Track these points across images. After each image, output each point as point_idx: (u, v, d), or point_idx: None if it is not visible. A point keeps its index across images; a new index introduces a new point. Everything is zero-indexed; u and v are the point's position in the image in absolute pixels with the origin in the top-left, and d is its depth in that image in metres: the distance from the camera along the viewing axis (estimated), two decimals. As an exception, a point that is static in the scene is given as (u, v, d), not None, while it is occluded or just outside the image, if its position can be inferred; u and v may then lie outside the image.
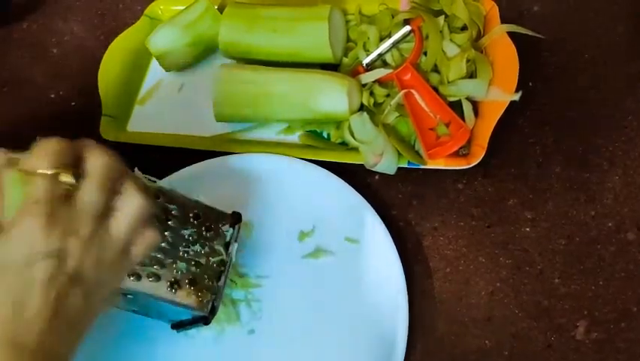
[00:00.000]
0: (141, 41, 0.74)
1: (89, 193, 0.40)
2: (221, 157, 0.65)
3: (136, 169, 0.50)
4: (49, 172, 0.39)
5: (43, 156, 0.40)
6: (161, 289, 0.50)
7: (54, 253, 0.38)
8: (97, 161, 0.41)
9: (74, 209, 0.40)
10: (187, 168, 0.64)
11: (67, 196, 0.40)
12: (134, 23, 0.78)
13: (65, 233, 0.39)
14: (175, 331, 0.55)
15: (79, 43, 0.84)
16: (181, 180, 0.62)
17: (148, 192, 0.43)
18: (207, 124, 0.69)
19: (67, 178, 0.40)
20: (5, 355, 0.37)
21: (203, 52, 0.75)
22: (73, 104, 0.78)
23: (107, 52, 0.75)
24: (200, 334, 0.57)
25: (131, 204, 0.41)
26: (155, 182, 0.52)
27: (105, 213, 0.41)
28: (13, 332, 0.38)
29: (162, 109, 0.74)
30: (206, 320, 0.52)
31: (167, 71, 0.75)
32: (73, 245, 0.39)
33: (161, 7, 0.80)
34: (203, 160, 0.65)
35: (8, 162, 0.41)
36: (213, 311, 0.52)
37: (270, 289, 0.59)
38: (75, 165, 0.41)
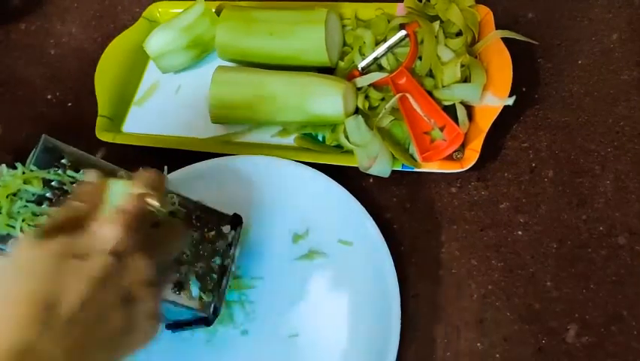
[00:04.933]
0: (138, 43, 0.74)
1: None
2: (216, 159, 0.65)
3: (141, 169, 0.50)
4: (140, 191, 0.42)
5: (139, 180, 0.42)
6: (166, 290, 0.50)
7: (116, 254, 0.39)
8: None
9: (152, 237, 0.42)
10: (182, 170, 0.64)
11: (149, 221, 0.42)
12: (131, 25, 0.79)
13: (135, 248, 0.40)
14: (170, 331, 0.56)
15: (76, 45, 0.84)
16: (176, 182, 0.62)
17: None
18: (203, 126, 0.69)
19: (153, 201, 0.42)
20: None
21: (201, 54, 0.75)
22: (69, 105, 0.78)
23: (104, 53, 0.75)
24: (194, 335, 0.57)
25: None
26: None
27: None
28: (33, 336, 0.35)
29: (159, 110, 0.74)
30: (208, 322, 0.52)
31: (164, 72, 0.76)
32: (138, 260, 0.40)
33: (159, 9, 0.81)
34: (198, 162, 0.65)
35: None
36: (215, 313, 0.52)
37: (264, 290, 0.59)
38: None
